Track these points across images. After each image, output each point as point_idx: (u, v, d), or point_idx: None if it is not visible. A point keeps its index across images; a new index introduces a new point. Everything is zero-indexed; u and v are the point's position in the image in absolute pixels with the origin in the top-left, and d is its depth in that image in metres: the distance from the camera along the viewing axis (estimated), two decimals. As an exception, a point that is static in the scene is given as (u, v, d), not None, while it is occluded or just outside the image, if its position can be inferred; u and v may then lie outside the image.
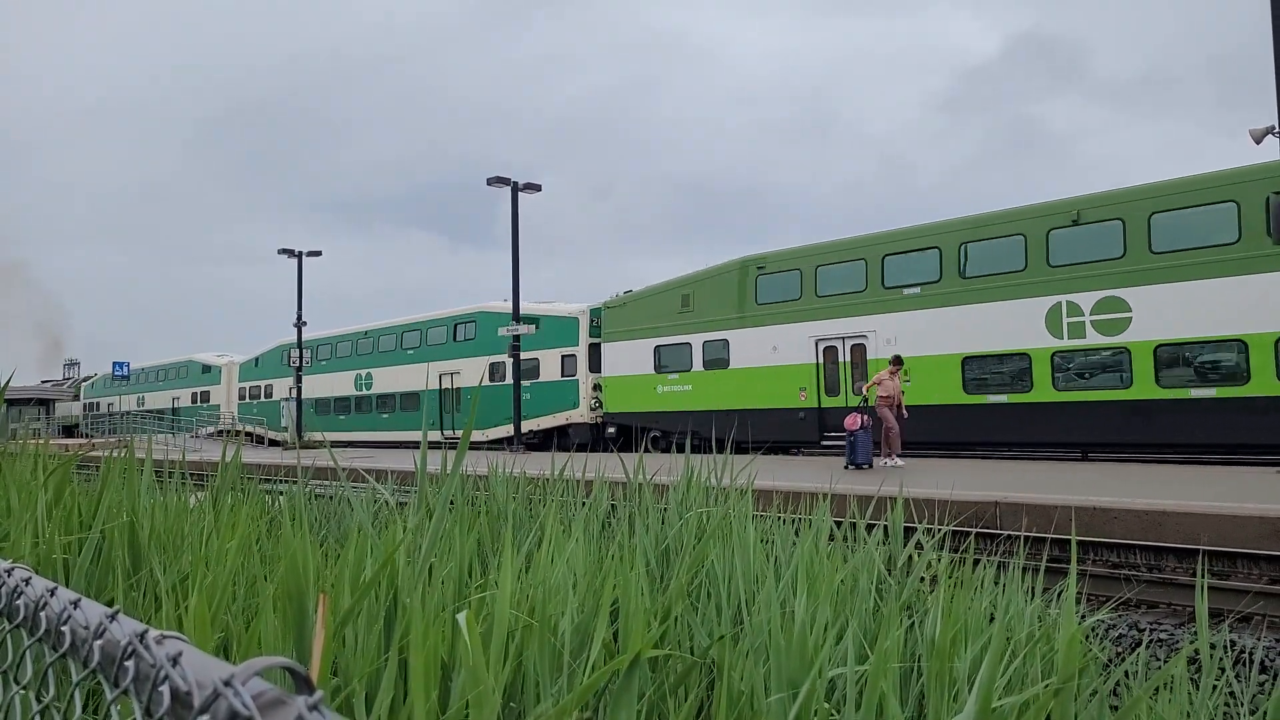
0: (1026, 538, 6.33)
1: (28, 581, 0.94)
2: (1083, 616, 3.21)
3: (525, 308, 23.56)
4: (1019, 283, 15.11)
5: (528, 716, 1.81)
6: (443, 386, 26.97)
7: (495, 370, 24.81)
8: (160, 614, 2.06)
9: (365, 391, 30.50)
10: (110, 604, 0.80)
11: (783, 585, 2.62)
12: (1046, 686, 1.96)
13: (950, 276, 15.99)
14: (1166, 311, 13.57)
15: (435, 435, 25.43)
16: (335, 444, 26.48)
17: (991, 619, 2.74)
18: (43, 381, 63.36)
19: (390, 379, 29.25)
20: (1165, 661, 5.32)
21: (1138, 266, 13.93)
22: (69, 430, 48.75)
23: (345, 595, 1.92)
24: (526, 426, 23.03)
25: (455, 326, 27.07)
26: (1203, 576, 3.21)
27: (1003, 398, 15.30)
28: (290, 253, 31.07)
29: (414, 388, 27.69)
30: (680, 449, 20.57)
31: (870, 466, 12.85)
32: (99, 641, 0.75)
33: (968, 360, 15.72)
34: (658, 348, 20.97)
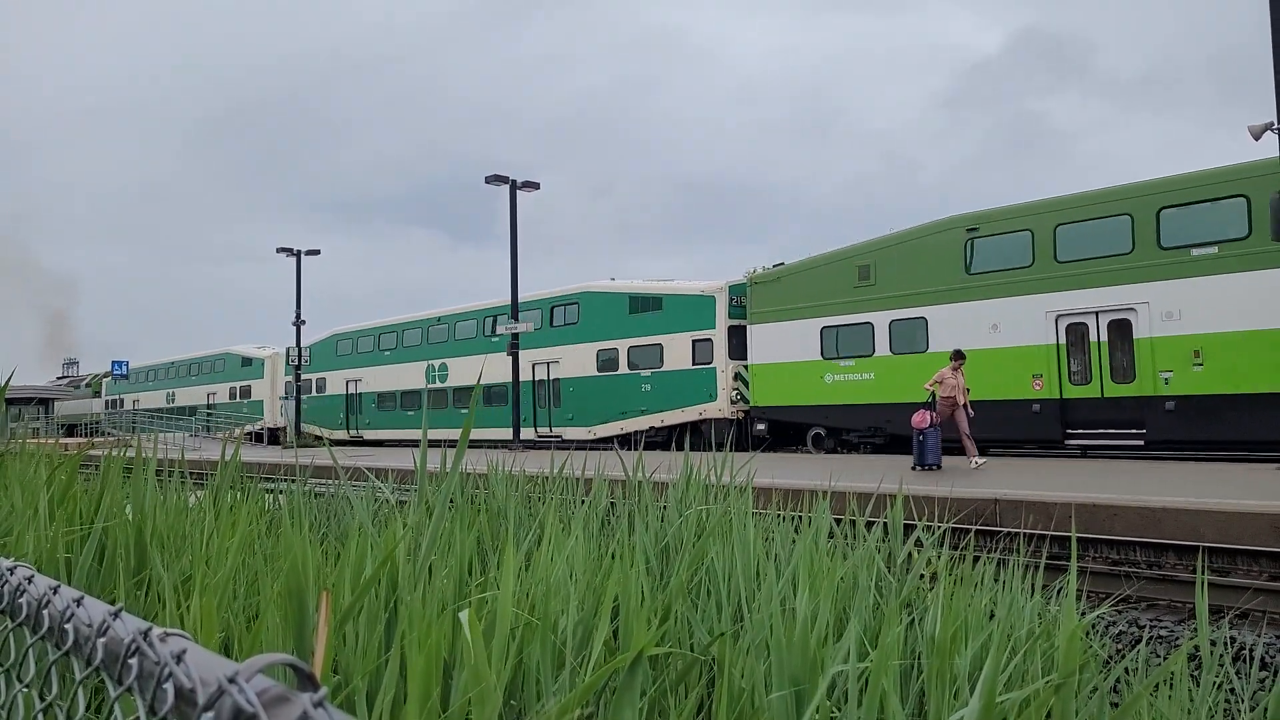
0: (1027, 535, 6.33)
1: (30, 580, 0.95)
2: (1083, 613, 3.21)
3: (645, 286, 21.30)
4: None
5: (529, 714, 1.82)
6: (536, 378, 23.73)
7: (605, 359, 21.85)
8: (166, 612, 2.06)
9: (440, 384, 26.92)
10: (113, 603, 0.80)
11: (783, 583, 2.62)
12: (1047, 683, 1.96)
13: (1261, 233, 12.05)
14: None
15: (529, 433, 22.94)
16: (402, 443, 26.38)
17: (992, 616, 2.74)
18: (58, 379, 61.00)
19: (470, 369, 25.78)
20: (1166, 658, 5.33)
21: None
22: (71, 430, 46.22)
23: (346, 594, 1.92)
24: (645, 423, 20.49)
25: (552, 310, 23.61)
26: (1203, 573, 3.21)
27: None
28: (289, 251, 31.03)
29: (505, 379, 23.70)
30: (858, 448, 17.06)
31: (939, 467, 12.03)
32: (102, 639, 0.75)
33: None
34: (826, 329, 17.66)
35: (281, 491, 4.68)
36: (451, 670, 1.78)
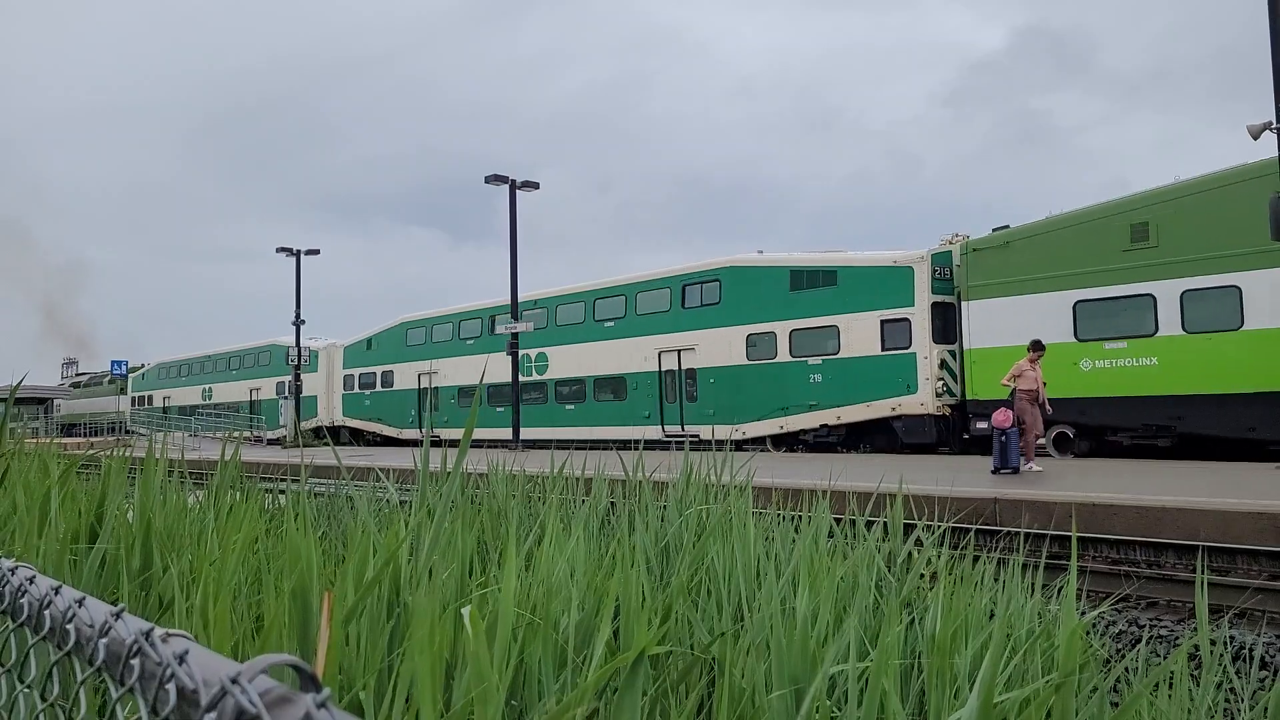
0: (1026, 534, 6.34)
1: (32, 580, 0.95)
2: (1083, 613, 3.21)
3: (812, 258, 18.17)
4: None
5: (531, 714, 1.82)
6: (664, 368, 20.34)
7: (759, 344, 18.53)
8: (170, 614, 2.06)
9: (538, 376, 23.38)
10: (115, 604, 0.80)
11: (783, 582, 2.62)
12: (1047, 683, 1.97)
13: None
14: None
15: (654, 431, 19.64)
16: (491, 443, 20.63)
17: (991, 616, 2.75)
18: (78, 374, 58.50)
19: (575, 359, 22.34)
20: (1165, 658, 5.33)
21: None
22: (95, 430, 43.62)
23: (349, 594, 1.92)
24: (814, 420, 17.25)
25: (684, 289, 20.24)
26: (1202, 572, 3.22)
27: None
28: (289, 251, 31.00)
29: (620, 370, 21.01)
30: (1129, 450, 14.07)
31: (1018, 471, 11.06)
32: (104, 640, 0.75)
33: None
34: (1082, 304, 13.99)
35: (282, 492, 4.68)
36: (453, 670, 1.78)
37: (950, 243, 16.81)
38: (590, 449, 18.58)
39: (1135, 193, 14.00)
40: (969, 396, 15.58)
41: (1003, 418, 11.25)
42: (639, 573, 2.08)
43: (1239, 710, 3.13)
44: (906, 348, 16.25)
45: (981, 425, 14.69)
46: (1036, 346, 11.78)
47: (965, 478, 10.27)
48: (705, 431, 18.67)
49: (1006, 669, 2.16)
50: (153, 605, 2.36)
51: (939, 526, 3.98)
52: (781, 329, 18.31)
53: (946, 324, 16.13)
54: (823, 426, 17.17)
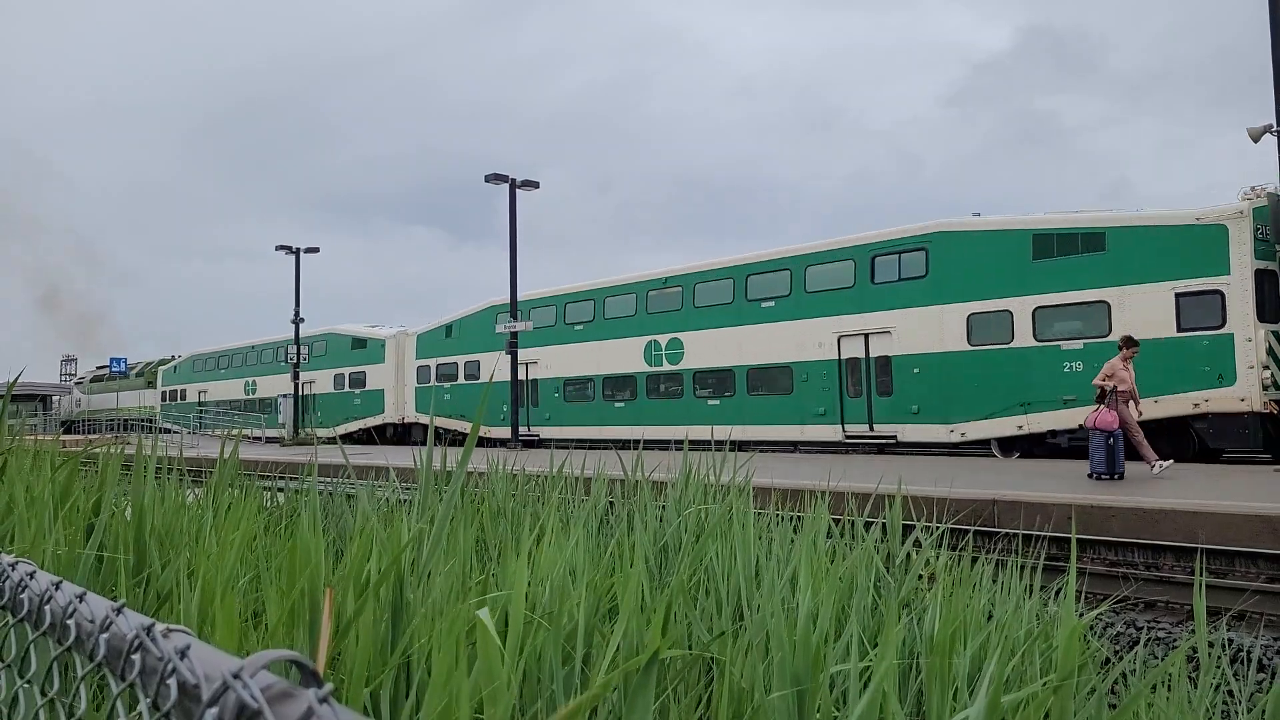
0: (1025, 536, 6.34)
1: (31, 576, 0.95)
2: (1081, 614, 3.22)
3: (1060, 219, 14.36)
4: None
5: (541, 715, 1.82)
6: (845, 355, 16.84)
7: (985, 326, 14.80)
8: (167, 609, 2.06)
9: (670, 366, 19.83)
10: (114, 600, 0.80)
11: (782, 583, 2.62)
12: (1046, 684, 1.97)
13: None
14: None
15: (829, 431, 16.75)
16: (606, 443, 17.77)
17: (990, 617, 2.75)
18: (97, 368, 53.30)
19: (720, 346, 18.85)
20: (1164, 659, 5.33)
21: None
22: (123, 426, 39.76)
23: (351, 593, 1.92)
24: (1073, 419, 13.11)
25: (875, 260, 16.45)
26: (1201, 575, 3.22)
27: None
28: (288, 249, 30.95)
29: (784, 358, 17.67)
30: None
31: (1123, 476, 10.17)
32: (104, 635, 0.75)
33: None
34: None
35: (281, 490, 4.67)
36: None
37: (1256, 195, 12.74)
38: (742, 450, 15.17)
39: None
40: None
41: (1109, 418, 10.22)
42: (639, 571, 2.08)
43: (1236, 712, 3.14)
44: (1218, 327, 12.58)
45: None
46: (1130, 343, 10.71)
47: (965, 478, 10.27)
48: (902, 431, 15.94)
49: (1005, 670, 2.16)
50: (151, 602, 2.36)
51: (938, 528, 3.98)
52: (1020, 306, 14.42)
53: (1274, 297, 12.46)
54: (1082, 427, 12.40)
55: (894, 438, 16.32)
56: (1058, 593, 3.02)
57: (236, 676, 0.55)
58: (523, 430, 23.06)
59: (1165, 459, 10.75)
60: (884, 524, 3.95)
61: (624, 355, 21.02)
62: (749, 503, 3.50)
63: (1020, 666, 2.38)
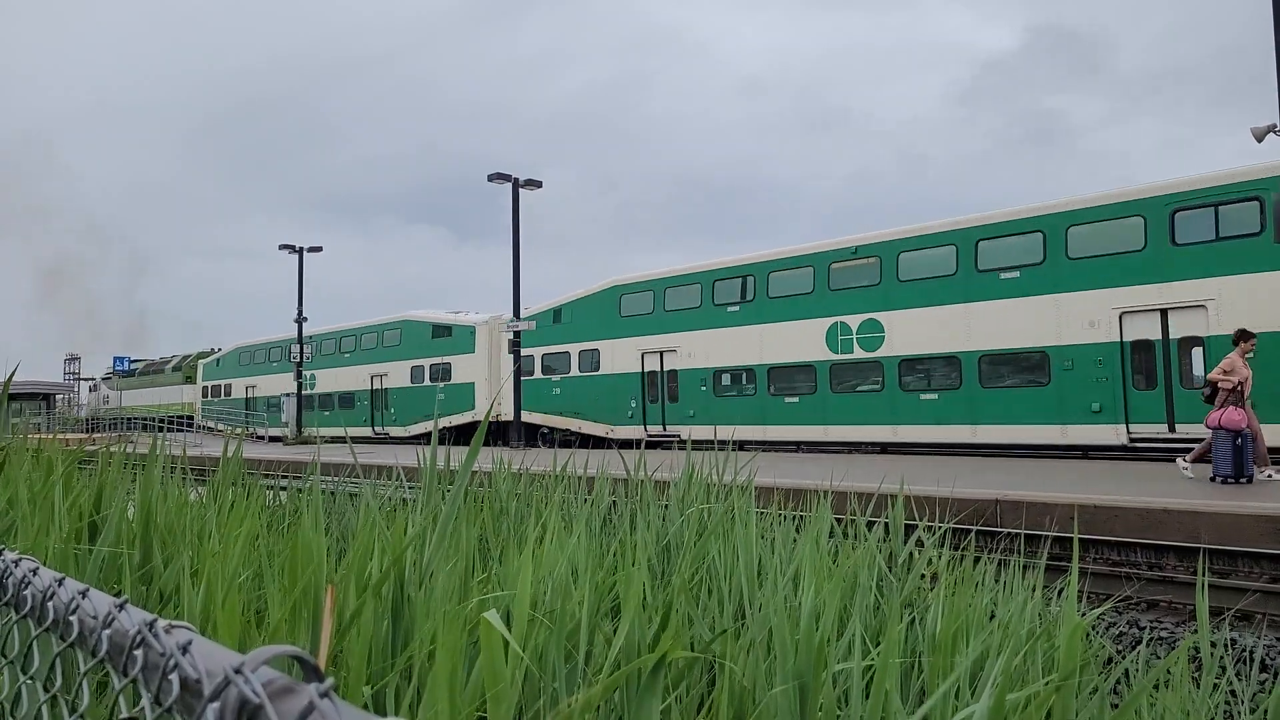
0: (1027, 535, 6.33)
1: (35, 572, 0.95)
2: (1083, 614, 3.22)
3: None
4: None
5: (536, 710, 1.82)
6: (1129, 337, 13.29)
7: None
8: (170, 607, 2.06)
9: (864, 353, 16.28)
10: (117, 596, 0.80)
11: (784, 581, 2.62)
12: (1048, 683, 1.96)
13: None
14: None
15: (1105, 433, 13.43)
16: (778, 446, 16.34)
17: (992, 616, 2.74)
18: (132, 361, 49.06)
19: (936, 328, 15.28)
20: (1166, 659, 5.32)
21: None
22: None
23: (353, 591, 1.92)
24: None
25: (1175, 216, 12.88)
26: (1203, 575, 3.21)
27: None
28: (291, 248, 30.93)
29: (1037, 341, 14.12)
30: None
31: (1251, 480, 9.40)
32: (107, 631, 0.75)
33: None
34: None
35: (284, 489, 4.68)
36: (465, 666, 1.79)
37: None
38: (980, 454, 13.61)
39: None
40: None
41: (1237, 417, 9.34)
42: (641, 571, 2.08)
43: (1239, 713, 3.13)
44: None
45: None
46: (1245, 336, 9.94)
47: (967, 478, 10.25)
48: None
49: (1008, 669, 2.15)
50: (154, 599, 2.36)
51: (940, 527, 3.97)
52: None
53: None
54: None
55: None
56: (1060, 592, 3.02)
57: (238, 671, 0.55)
58: (654, 429, 19.61)
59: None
60: (886, 523, 3.95)
61: (798, 340, 17.22)
62: (750, 501, 3.50)
63: (1022, 666, 2.38)
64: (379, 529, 2.29)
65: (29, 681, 0.97)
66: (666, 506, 3.85)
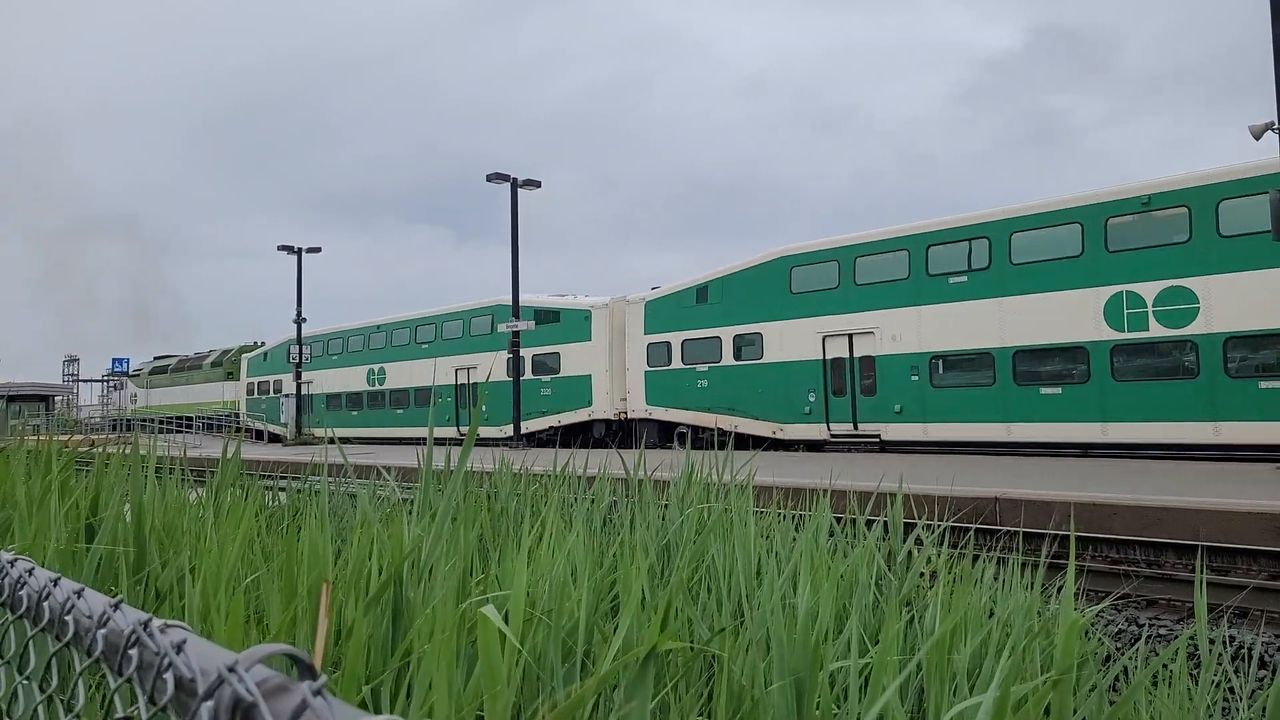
0: (1026, 534, 6.34)
1: (30, 572, 0.95)
2: (1082, 612, 3.22)
3: None
4: None
5: (541, 709, 1.82)
6: None
7: None
8: (169, 608, 2.06)
9: (1165, 330, 12.52)
10: (113, 596, 0.80)
11: (783, 580, 2.62)
12: (1046, 680, 1.97)
13: None
14: None
15: None
16: (1029, 449, 13.25)
17: (991, 614, 2.75)
18: (155, 358, 45.84)
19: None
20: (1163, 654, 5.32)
21: None
22: (212, 428, 34.92)
23: (351, 593, 1.92)
24: None
25: None
26: (1201, 572, 3.22)
27: None
28: (289, 249, 30.90)
29: None
30: None
31: None
32: (102, 631, 0.75)
33: None
34: None
35: (283, 489, 4.68)
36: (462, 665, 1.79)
37: None
38: None
39: None
40: None
41: None
42: (639, 569, 2.08)
43: (1237, 709, 3.13)
44: None
45: None
46: None
47: (965, 477, 10.26)
48: None
49: (1006, 666, 2.16)
50: (150, 600, 2.36)
51: (939, 526, 3.98)
52: None
53: None
54: None
55: None
56: (1059, 590, 3.02)
57: (232, 670, 0.55)
58: (839, 428, 16.30)
59: None
60: (885, 522, 3.95)
61: (1059, 316, 13.40)
62: (749, 501, 3.50)
63: (1021, 663, 2.38)
64: (375, 531, 2.29)
65: (25, 682, 0.97)
66: (666, 506, 3.85)
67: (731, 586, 2.73)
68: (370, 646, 1.84)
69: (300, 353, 29.40)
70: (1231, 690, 3.43)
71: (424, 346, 25.71)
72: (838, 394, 16.62)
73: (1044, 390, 13.85)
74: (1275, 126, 11.49)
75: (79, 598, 0.83)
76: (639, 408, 20.18)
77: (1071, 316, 13.51)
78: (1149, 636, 5.74)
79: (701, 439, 17.58)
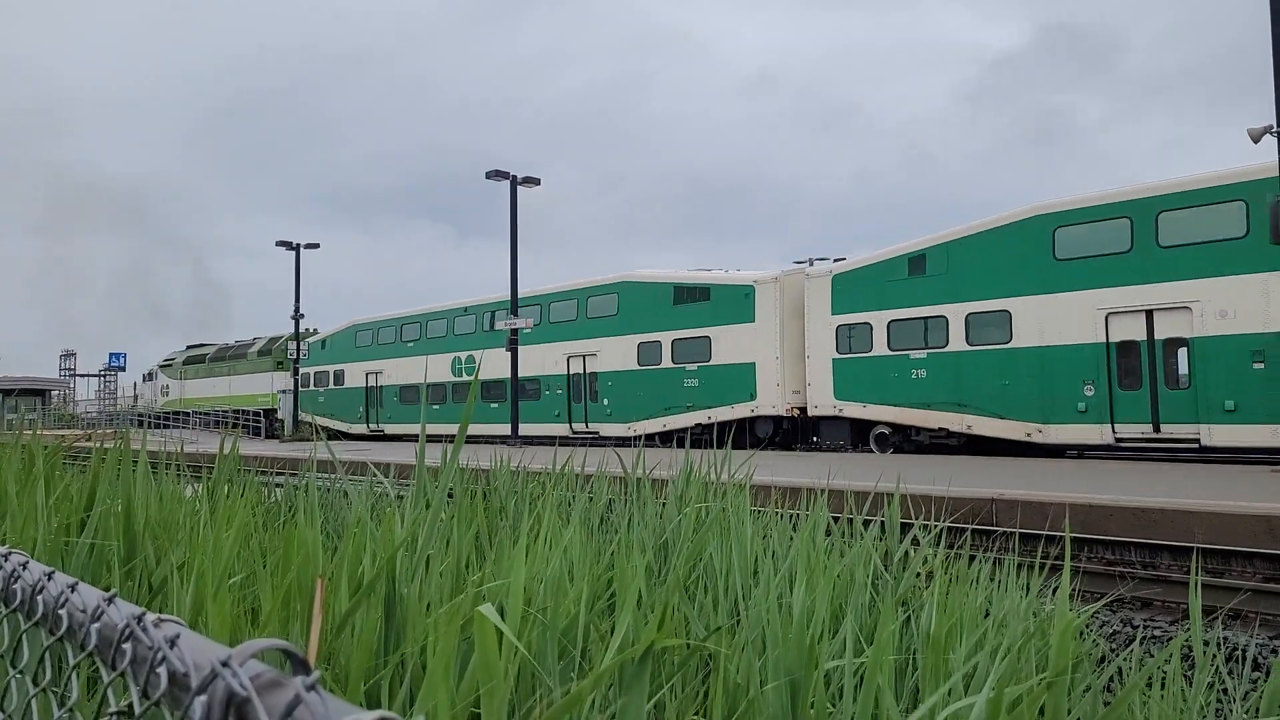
0: (1022, 535, 6.35)
1: (24, 566, 0.94)
2: (1077, 613, 3.23)
3: None
4: None
5: (531, 702, 1.82)
6: None
7: None
8: (163, 603, 2.06)
9: None
10: (106, 590, 0.80)
11: (779, 578, 2.62)
12: (1041, 681, 1.97)
13: None
14: None
15: None
16: None
17: (987, 614, 2.75)
18: (187, 346, 42.21)
19: None
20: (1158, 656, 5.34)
21: None
22: (266, 428, 31.58)
23: (344, 587, 1.92)
24: None
25: None
26: (1196, 574, 3.22)
27: None
28: (288, 245, 30.82)
29: None
30: None
31: None
32: (96, 624, 0.75)
33: None
34: None
35: (280, 485, 4.67)
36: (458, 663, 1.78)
37: None
38: None
39: None
40: None
41: None
42: (636, 568, 2.08)
43: (1231, 710, 3.14)
44: None
45: None
46: None
47: (963, 478, 10.26)
48: None
49: (1001, 666, 2.16)
50: (144, 594, 2.36)
51: (936, 526, 3.98)
52: None
53: None
54: None
55: None
56: (1054, 591, 3.03)
57: (225, 665, 0.55)
58: (1133, 429, 12.95)
59: None
60: (883, 522, 3.95)
61: None
62: (747, 500, 3.50)
63: (1016, 663, 2.38)
64: (367, 526, 2.29)
65: (19, 676, 0.97)
66: (664, 505, 3.85)
67: (728, 585, 2.73)
68: (364, 641, 1.84)
69: (299, 349, 28.87)
70: (1225, 691, 3.44)
71: (527, 332, 22.12)
72: (1129, 386, 13.04)
73: None
74: (1274, 130, 11.50)
75: (73, 591, 0.82)
76: (824, 403, 16.50)
77: None
78: (1144, 638, 5.76)
79: (915, 441, 15.13)
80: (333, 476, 4.69)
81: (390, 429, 26.67)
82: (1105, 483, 9.97)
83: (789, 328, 17.49)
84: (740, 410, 17.79)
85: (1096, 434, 13.46)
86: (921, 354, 15.27)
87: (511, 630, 1.70)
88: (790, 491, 5.90)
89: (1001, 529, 7.88)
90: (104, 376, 54.26)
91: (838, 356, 16.47)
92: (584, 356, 21.03)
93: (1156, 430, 13.10)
